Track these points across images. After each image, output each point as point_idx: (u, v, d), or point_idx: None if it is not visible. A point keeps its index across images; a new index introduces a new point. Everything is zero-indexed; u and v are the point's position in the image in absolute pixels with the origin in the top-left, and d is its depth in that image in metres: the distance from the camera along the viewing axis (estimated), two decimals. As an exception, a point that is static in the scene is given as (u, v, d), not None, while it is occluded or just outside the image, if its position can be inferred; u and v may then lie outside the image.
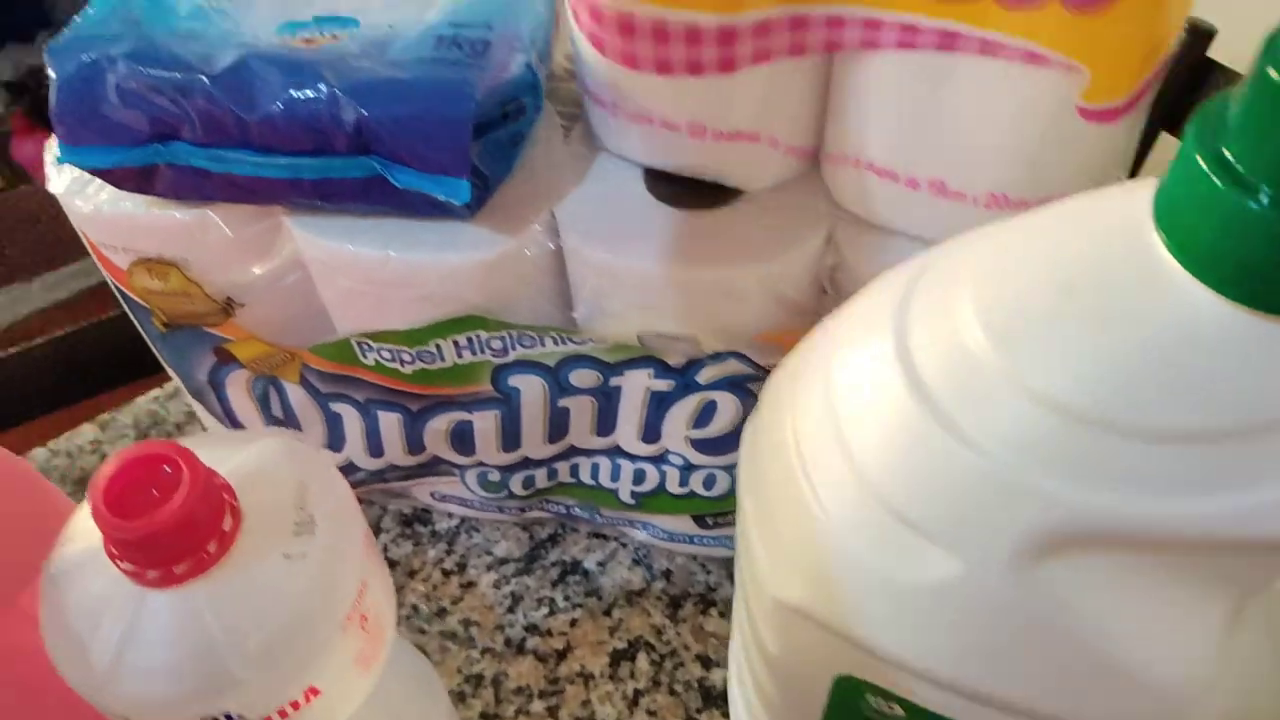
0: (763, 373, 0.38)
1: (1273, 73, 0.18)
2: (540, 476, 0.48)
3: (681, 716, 0.46)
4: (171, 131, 0.35)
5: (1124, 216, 0.23)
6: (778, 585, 0.27)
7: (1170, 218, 0.21)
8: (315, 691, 0.27)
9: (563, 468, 0.47)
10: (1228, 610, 0.24)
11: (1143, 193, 0.22)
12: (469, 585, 0.51)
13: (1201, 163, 0.20)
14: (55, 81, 0.35)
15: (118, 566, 0.26)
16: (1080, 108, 0.31)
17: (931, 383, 0.24)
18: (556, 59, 0.42)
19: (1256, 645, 0.26)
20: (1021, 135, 0.32)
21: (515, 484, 0.48)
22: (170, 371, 0.48)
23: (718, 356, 0.38)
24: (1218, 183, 0.20)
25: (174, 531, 0.25)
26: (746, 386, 0.40)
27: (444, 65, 0.35)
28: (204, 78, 0.34)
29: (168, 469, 0.26)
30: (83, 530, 0.27)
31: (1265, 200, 0.19)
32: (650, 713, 0.46)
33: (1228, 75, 0.57)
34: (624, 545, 0.52)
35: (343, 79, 0.34)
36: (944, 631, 0.24)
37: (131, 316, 0.45)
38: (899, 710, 0.27)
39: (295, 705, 0.27)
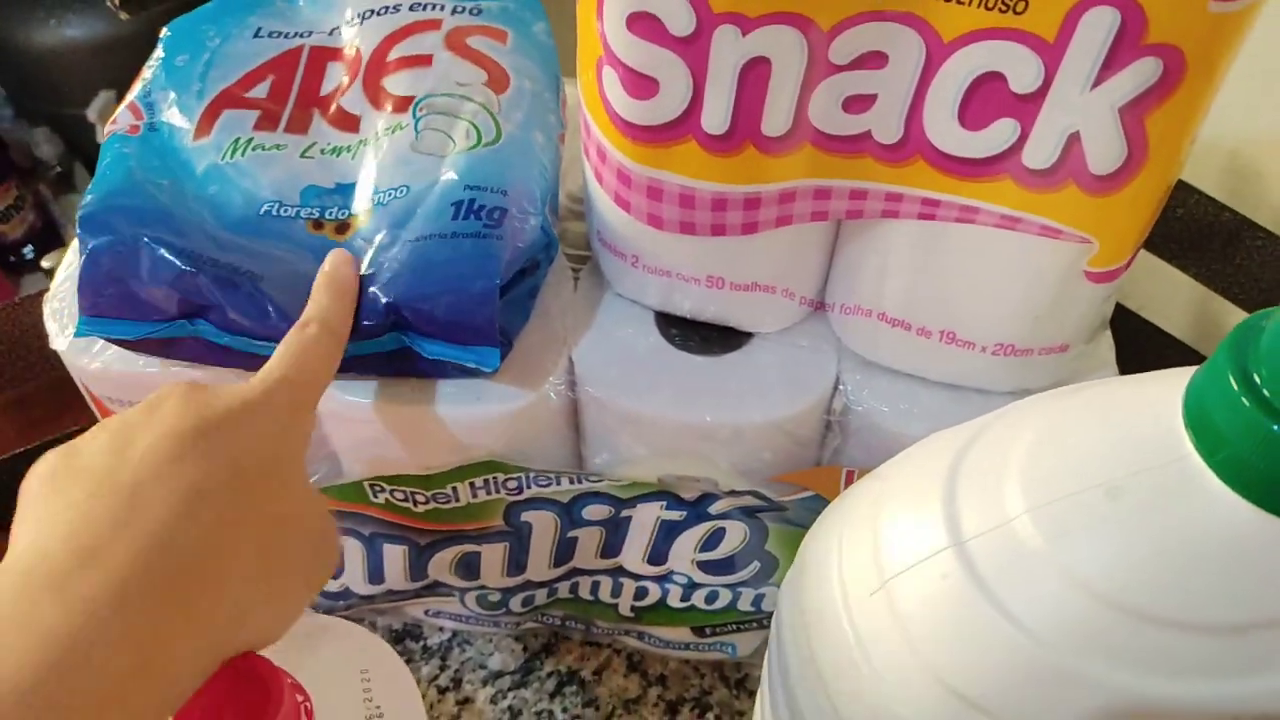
0: (775, 505, 0.40)
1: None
2: (540, 595, 0.49)
3: (690, 830, 0.47)
4: (200, 312, 0.36)
5: (1157, 417, 0.25)
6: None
7: (1200, 422, 0.24)
8: None
9: (563, 586, 0.48)
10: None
11: (1176, 389, 0.25)
12: (465, 701, 0.51)
13: (1232, 381, 0.22)
14: (85, 253, 0.35)
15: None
16: (1087, 272, 0.34)
17: (983, 565, 0.26)
18: (561, 200, 0.43)
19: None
20: (1032, 295, 0.34)
21: (515, 603, 0.49)
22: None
23: (734, 493, 0.40)
24: (1246, 403, 0.22)
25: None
26: (757, 515, 0.42)
27: (465, 240, 0.36)
28: (239, 275, 0.35)
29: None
30: None
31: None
32: (659, 827, 0.47)
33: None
34: (618, 652, 0.53)
35: (369, 272, 0.35)
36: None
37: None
38: None
39: None
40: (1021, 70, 0.29)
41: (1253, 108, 0.61)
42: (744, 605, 0.46)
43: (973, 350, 0.36)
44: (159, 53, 0.43)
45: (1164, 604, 0.24)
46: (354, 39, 0.43)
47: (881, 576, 0.28)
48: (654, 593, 0.47)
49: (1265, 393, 0.22)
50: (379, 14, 0.43)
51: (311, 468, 0.41)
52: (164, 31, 0.44)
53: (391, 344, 0.36)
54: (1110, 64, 0.27)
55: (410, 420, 0.38)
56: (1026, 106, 0.29)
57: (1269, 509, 0.23)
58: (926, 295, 0.36)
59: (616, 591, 0.48)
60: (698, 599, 0.47)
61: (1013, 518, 0.26)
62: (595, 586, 0.48)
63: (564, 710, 0.51)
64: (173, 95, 0.41)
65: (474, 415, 0.38)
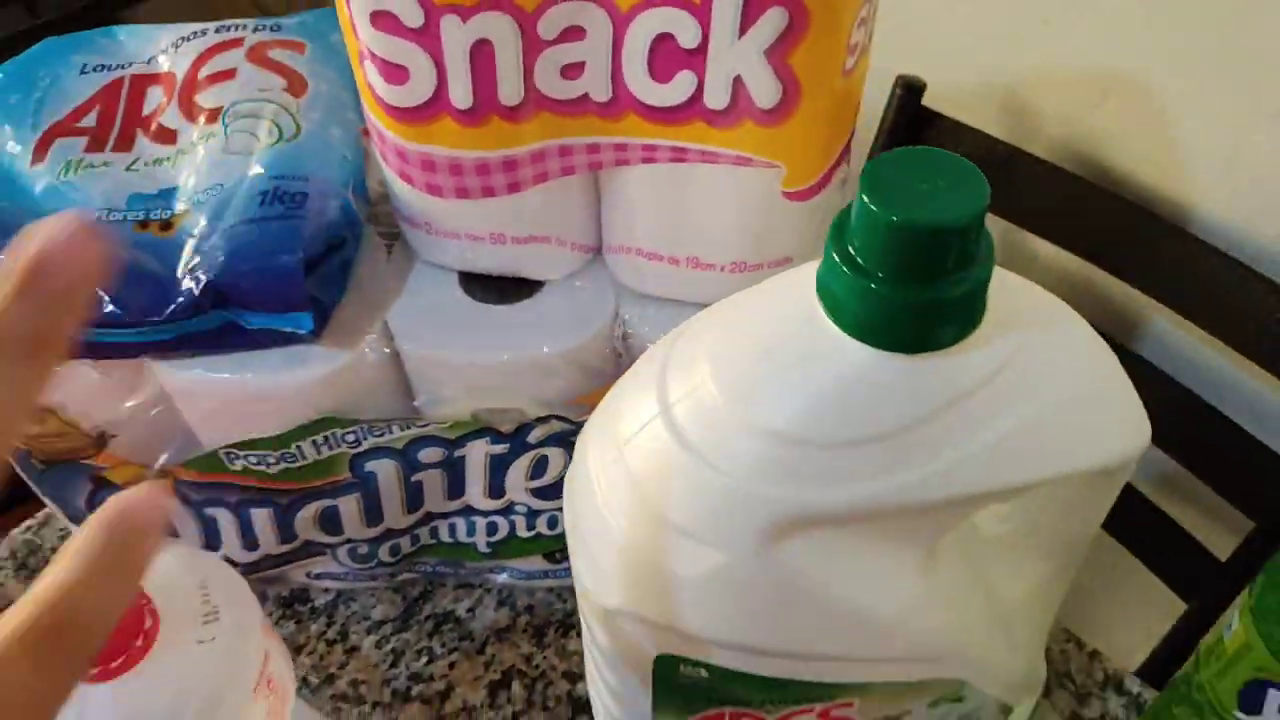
0: (579, 427, 0.46)
1: (866, 198, 0.28)
2: (405, 543, 0.54)
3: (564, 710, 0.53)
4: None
5: (799, 295, 0.32)
6: (599, 595, 0.35)
7: (825, 290, 0.31)
8: (241, 747, 0.34)
9: (424, 532, 0.54)
10: (920, 555, 0.34)
11: (810, 275, 0.32)
12: (352, 650, 0.57)
13: (836, 256, 0.29)
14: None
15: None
16: (785, 193, 0.41)
17: (685, 425, 0.33)
18: (372, 185, 0.49)
19: (956, 571, 0.36)
20: (745, 218, 0.41)
21: (383, 553, 0.54)
22: (49, 503, 0.52)
23: (542, 419, 0.46)
24: (846, 270, 0.29)
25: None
26: (569, 440, 0.48)
27: (271, 222, 0.41)
28: None
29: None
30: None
31: (877, 282, 0.28)
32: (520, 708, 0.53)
33: (942, 121, 0.70)
34: (488, 590, 0.59)
35: (192, 258, 0.40)
36: (720, 606, 0.33)
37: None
38: (704, 673, 0.35)
39: (226, 759, 0.33)
40: (684, 29, 0.35)
41: (1024, 49, 0.69)
42: (581, 526, 0.53)
43: (714, 271, 0.43)
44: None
45: (810, 430, 0.31)
46: (169, 64, 0.49)
47: (618, 446, 0.35)
48: (503, 527, 0.53)
49: (859, 260, 0.29)
50: (189, 39, 0.49)
51: (166, 446, 0.47)
52: (-3, 74, 0.49)
53: (217, 321, 0.42)
54: (747, 17, 0.34)
55: (247, 389, 0.44)
56: (696, 59, 0.36)
57: (871, 344, 0.30)
58: (668, 228, 0.42)
59: (470, 531, 0.54)
60: (541, 526, 0.53)
61: (699, 385, 0.32)
62: (452, 529, 0.54)
63: (442, 645, 0.57)
64: (9, 129, 0.46)
65: (302, 377, 0.44)
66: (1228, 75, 0.64)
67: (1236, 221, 0.65)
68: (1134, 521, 0.58)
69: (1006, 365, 0.31)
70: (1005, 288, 0.31)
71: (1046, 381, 0.32)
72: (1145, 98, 0.68)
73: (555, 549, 0.55)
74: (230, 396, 0.44)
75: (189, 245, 0.42)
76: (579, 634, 0.57)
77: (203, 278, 0.41)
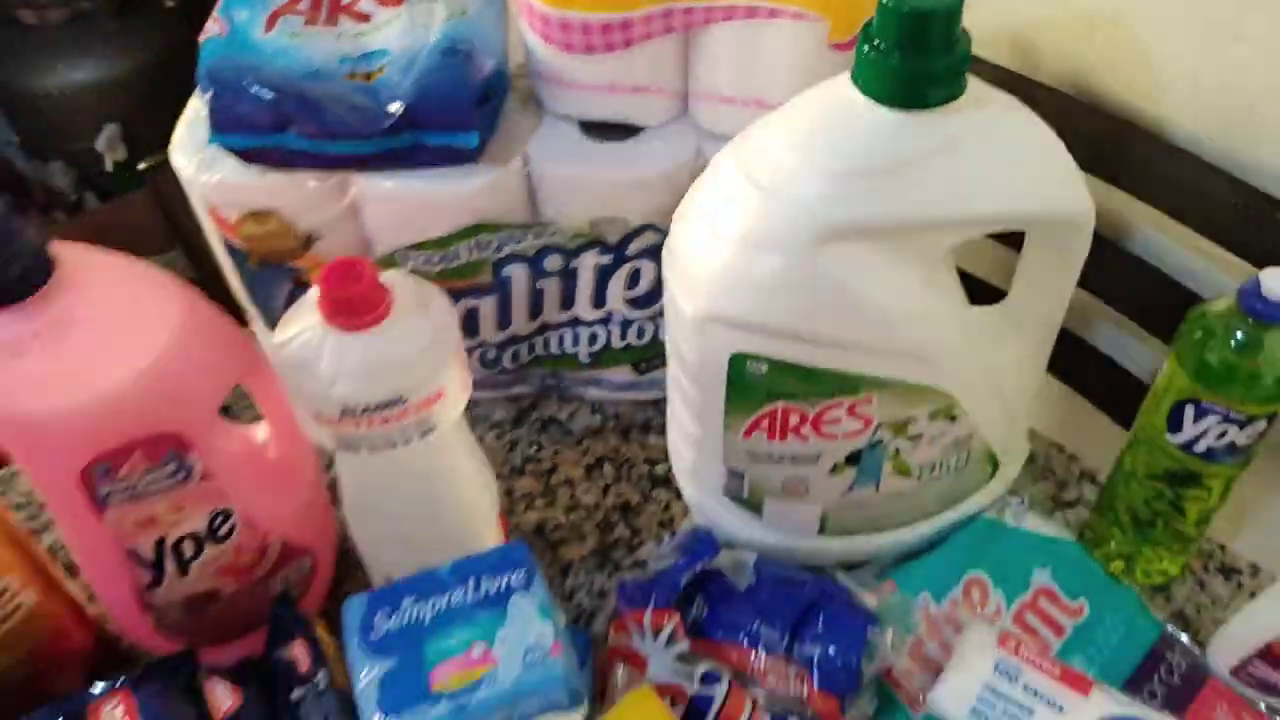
0: (666, 236, 0.61)
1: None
2: (523, 350, 0.69)
3: (639, 494, 0.67)
4: (284, 127, 0.56)
5: (837, 86, 0.46)
6: (693, 308, 0.49)
7: (855, 74, 0.45)
8: (442, 393, 0.48)
9: (539, 342, 0.69)
10: (923, 272, 0.48)
11: (844, 76, 0.46)
12: (478, 440, 0.71)
13: (864, 46, 0.44)
14: (211, 91, 0.55)
15: (330, 324, 0.46)
16: (830, 44, 0.55)
17: (757, 174, 0.47)
18: (512, 65, 0.64)
19: (947, 292, 0.50)
20: (801, 62, 0.56)
21: (506, 359, 0.69)
22: (253, 307, 0.67)
23: (640, 231, 0.61)
24: (869, 52, 0.43)
25: (363, 297, 0.46)
26: (659, 254, 0.62)
27: (448, 70, 0.56)
28: (306, 103, 0.55)
29: (357, 272, 0.46)
30: (300, 315, 0.48)
31: (888, 56, 0.43)
32: (618, 495, 0.67)
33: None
34: (584, 402, 0.74)
35: (391, 95, 0.55)
36: (779, 302, 0.47)
37: (230, 262, 0.64)
38: (764, 367, 0.50)
39: (435, 398, 0.48)
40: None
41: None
42: (663, 335, 0.67)
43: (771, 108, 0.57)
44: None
45: (845, 167, 0.45)
46: (363, -34, 0.64)
47: (709, 197, 0.49)
48: (601, 336, 0.68)
49: (878, 43, 0.43)
50: (379, -52, 0.64)
51: (354, 251, 0.62)
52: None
53: (408, 140, 0.57)
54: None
55: (424, 196, 0.59)
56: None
57: (885, 103, 0.44)
58: (740, 75, 0.57)
59: (575, 341, 0.69)
60: (631, 337, 0.68)
61: (766, 146, 0.47)
62: (560, 340, 0.69)
63: (548, 440, 0.71)
64: (246, 11, 0.62)
65: (465, 187, 0.59)
66: (1192, 9, 0.78)
67: (1201, 130, 0.79)
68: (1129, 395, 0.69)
69: (981, 128, 0.45)
70: (985, 92, 0.46)
71: (1011, 144, 0.46)
72: (1126, 31, 0.82)
73: (642, 359, 0.69)
74: (409, 202, 0.59)
75: (388, 89, 0.57)
76: (655, 434, 0.71)
77: (399, 105, 0.56)
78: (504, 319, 0.66)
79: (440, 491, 0.52)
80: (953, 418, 0.54)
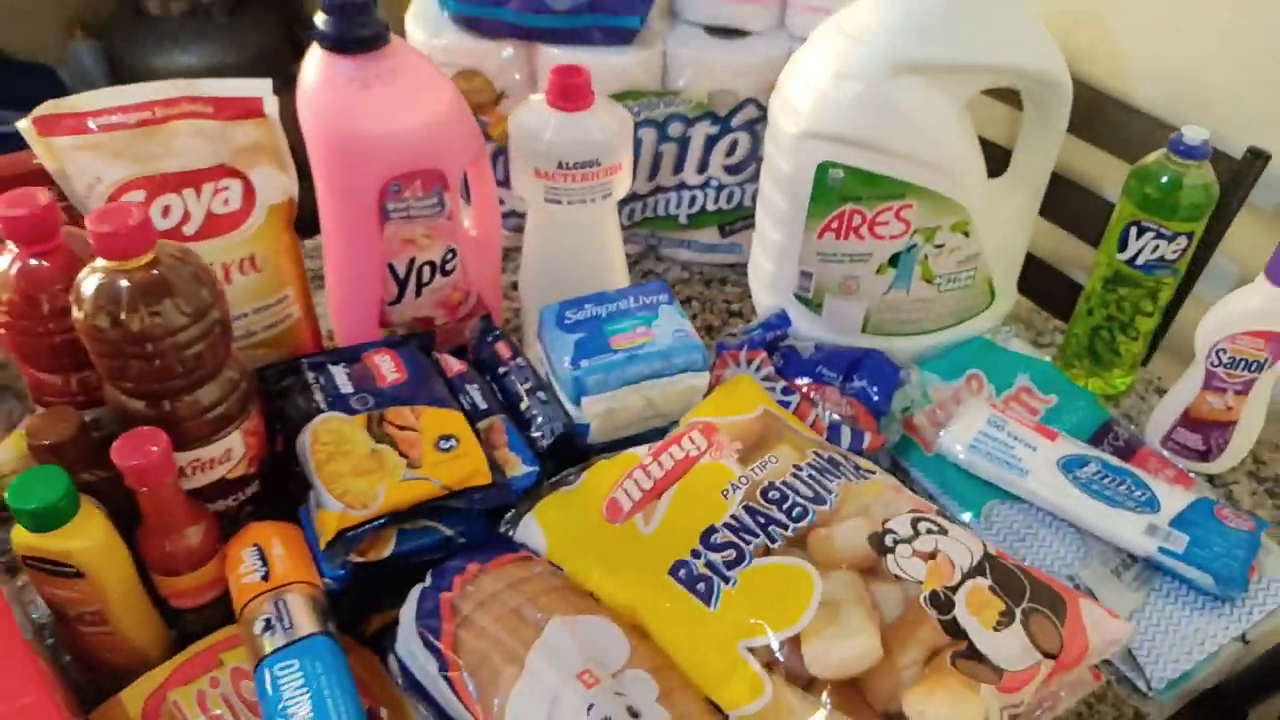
0: (764, 112, 0.83)
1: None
2: (638, 209, 0.91)
3: (719, 320, 0.88)
4: (500, 3, 0.79)
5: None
6: (794, 125, 0.71)
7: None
8: (620, 167, 0.70)
9: (650, 202, 0.90)
10: (956, 110, 0.70)
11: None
12: (593, 282, 0.92)
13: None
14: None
15: (553, 105, 0.68)
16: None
17: (849, 29, 0.70)
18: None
19: (968, 134, 0.72)
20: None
21: (623, 215, 0.91)
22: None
23: (743, 104, 0.83)
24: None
25: (579, 88, 0.68)
26: (755, 129, 0.85)
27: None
28: None
29: (577, 71, 0.68)
30: (528, 106, 0.69)
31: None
32: (703, 321, 0.88)
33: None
34: (676, 263, 0.95)
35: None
36: (860, 116, 0.69)
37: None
38: (841, 173, 0.71)
39: (615, 168, 0.69)
40: None
41: None
42: (746, 201, 0.89)
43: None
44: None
45: (906, 22, 0.67)
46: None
47: (810, 47, 0.71)
48: (699, 199, 0.90)
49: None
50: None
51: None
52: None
53: (589, 20, 0.80)
54: None
55: (590, 65, 0.81)
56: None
57: (938, -13, 0.67)
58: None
59: (678, 204, 0.90)
60: (723, 201, 0.89)
61: (856, 13, 0.69)
62: (667, 202, 0.90)
63: (652, 276, 0.92)
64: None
65: (629, 58, 0.81)
66: (1150, 9, 1.03)
67: (1157, 97, 1.03)
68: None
69: (996, 6, 0.68)
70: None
71: (1019, 22, 0.69)
72: (1100, 26, 1.07)
73: (727, 222, 0.91)
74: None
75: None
76: (732, 284, 0.92)
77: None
78: (632, 174, 0.88)
79: (604, 241, 0.73)
80: (966, 234, 0.76)
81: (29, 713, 0.46)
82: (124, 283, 0.52)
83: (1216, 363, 0.71)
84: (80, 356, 0.57)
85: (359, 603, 0.59)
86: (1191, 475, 0.75)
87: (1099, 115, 1.04)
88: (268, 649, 0.51)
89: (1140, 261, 0.75)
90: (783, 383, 0.72)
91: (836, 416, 0.71)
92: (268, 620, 0.52)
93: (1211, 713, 0.65)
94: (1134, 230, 0.74)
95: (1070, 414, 0.79)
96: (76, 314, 0.53)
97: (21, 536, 0.51)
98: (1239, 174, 0.92)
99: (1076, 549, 0.69)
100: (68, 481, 0.51)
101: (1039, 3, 1.11)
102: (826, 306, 0.80)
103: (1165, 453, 0.77)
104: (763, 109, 0.83)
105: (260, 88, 0.65)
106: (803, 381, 0.74)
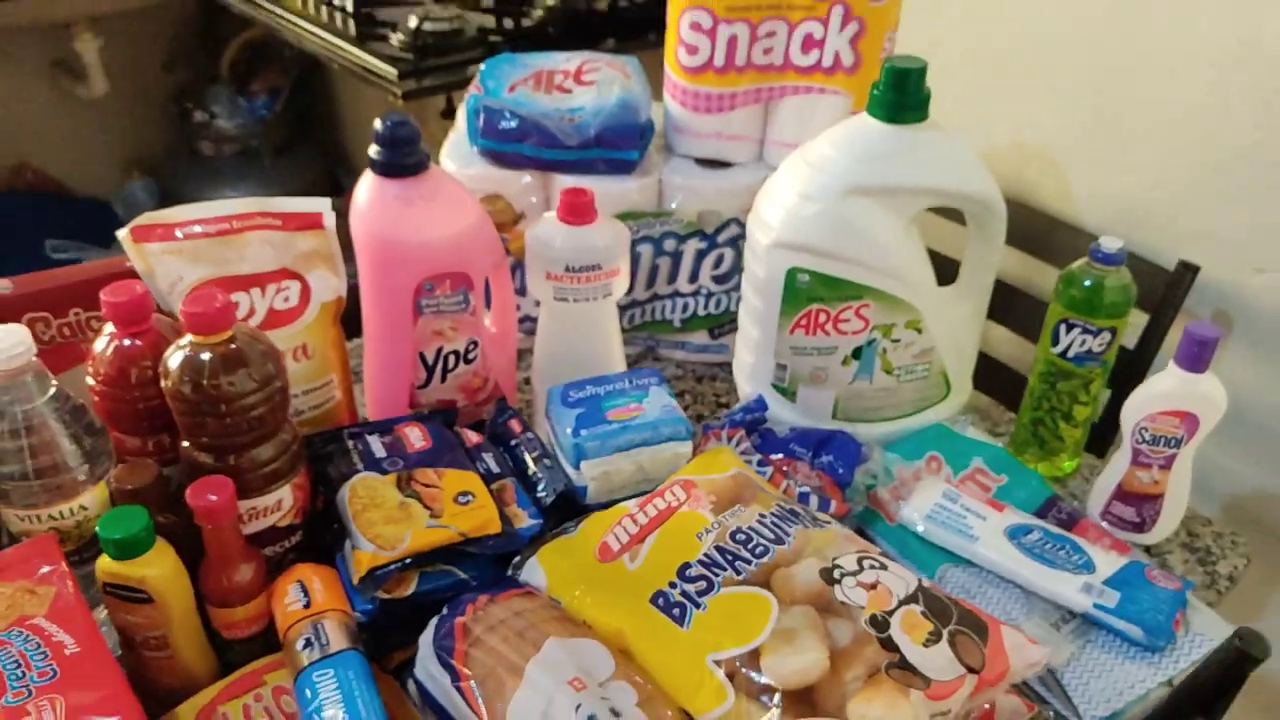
0: (744, 230, 0.95)
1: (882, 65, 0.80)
2: (637, 314, 1.03)
3: (708, 410, 0.99)
4: (522, 140, 0.93)
5: (858, 118, 0.83)
6: (766, 239, 0.84)
7: (869, 107, 0.82)
8: (618, 271, 0.82)
9: (648, 309, 1.03)
10: (903, 224, 0.83)
11: (863, 112, 0.83)
12: (598, 379, 1.04)
13: (874, 89, 0.81)
14: (484, 114, 0.93)
15: (562, 220, 0.81)
16: (852, 110, 0.92)
17: (812, 160, 0.83)
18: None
19: (916, 243, 0.85)
20: (838, 120, 0.93)
21: (624, 320, 1.03)
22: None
23: (727, 224, 0.96)
24: (876, 92, 0.81)
25: (585, 206, 0.81)
26: (738, 244, 0.97)
27: (624, 114, 0.94)
28: (539, 125, 0.93)
29: (582, 192, 0.81)
30: (542, 222, 0.82)
31: (880, 91, 0.80)
32: (695, 411, 0.99)
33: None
34: (672, 362, 1.06)
35: (588, 126, 0.93)
36: (821, 229, 0.81)
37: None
38: (807, 278, 0.83)
39: (614, 272, 0.82)
40: (818, 30, 0.89)
41: (991, 134, 1.19)
42: (732, 307, 1.01)
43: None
44: (483, 67, 1.03)
45: (860, 157, 0.81)
46: (566, 64, 1.04)
47: (776, 178, 0.85)
48: (691, 305, 1.02)
49: (879, 91, 0.81)
50: (573, 58, 1.04)
51: (550, 220, 0.97)
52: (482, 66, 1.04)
53: (595, 154, 0.94)
54: (845, 21, 0.88)
55: (596, 190, 0.94)
56: (820, 43, 0.89)
57: (883, 120, 0.80)
58: (801, 129, 0.94)
59: (672, 309, 1.02)
60: (712, 306, 1.02)
61: (817, 149, 0.83)
62: (662, 309, 1.03)
63: (647, 380, 1.04)
64: (494, 82, 1.01)
65: (622, 186, 0.95)
66: (1093, 144, 1.18)
67: (1102, 221, 1.16)
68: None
69: (935, 140, 0.81)
70: (940, 122, 0.82)
71: (951, 152, 0.82)
72: (1049, 160, 1.22)
73: (716, 325, 1.03)
74: (587, 195, 0.95)
75: (585, 124, 0.94)
76: (721, 380, 1.03)
77: (594, 131, 0.93)
78: (632, 283, 1.00)
79: (604, 334, 0.85)
80: (919, 330, 0.87)
81: (110, 702, 0.55)
82: (206, 355, 0.64)
83: (1140, 440, 0.81)
84: (158, 421, 0.69)
85: (383, 637, 0.68)
86: (1129, 545, 0.83)
87: (1039, 232, 1.17)
88: (306, 662, 0.60)
89: (1071, 354, 0.86)
90: (759, 456, 0.82)
91: (806, 487, 0.81)
92: (308, 639, 0.62)
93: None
94: (1064, 327, 0.85)
95: (1019, 491, 0.88)
96: (165, 381, 0.65)
97: (105, 564, 0.62)
98: (1173, 283, 1.04)
99: (1021, 605, 0.78)
100: (147, 519, 0.62)
101: (992, 140, 1.26)
102: (800, 395, 0.90)
103: (1104, 524, 0.86)
104: (744, 227, 0.96)
105: (321, 204, 0.79)
106: (776, 456, 0.84)
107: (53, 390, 0.64)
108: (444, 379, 0.84)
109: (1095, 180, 1.15)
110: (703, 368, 1.06)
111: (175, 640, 0.64)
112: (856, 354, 0.87)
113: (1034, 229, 1.17)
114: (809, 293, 0.85)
